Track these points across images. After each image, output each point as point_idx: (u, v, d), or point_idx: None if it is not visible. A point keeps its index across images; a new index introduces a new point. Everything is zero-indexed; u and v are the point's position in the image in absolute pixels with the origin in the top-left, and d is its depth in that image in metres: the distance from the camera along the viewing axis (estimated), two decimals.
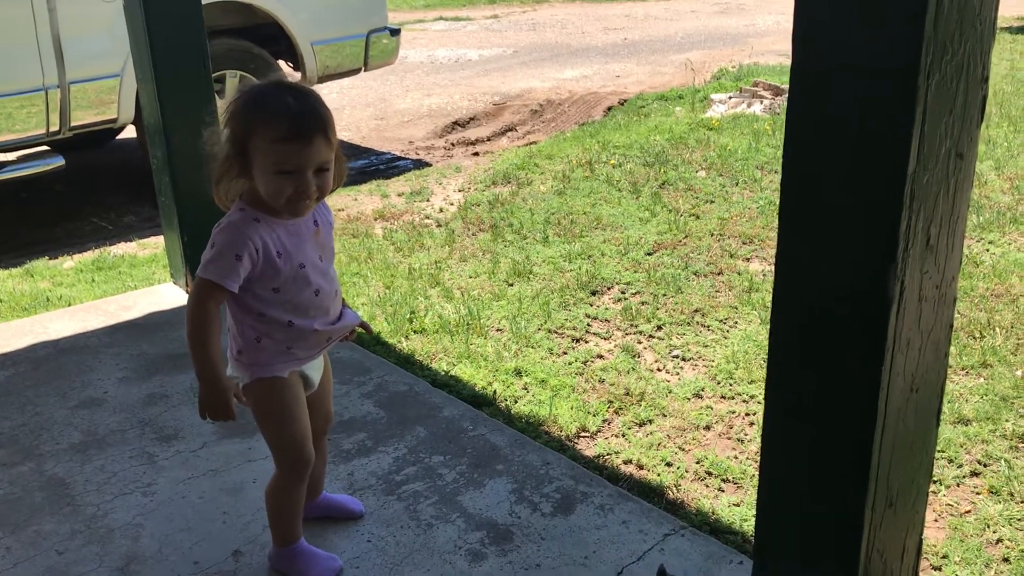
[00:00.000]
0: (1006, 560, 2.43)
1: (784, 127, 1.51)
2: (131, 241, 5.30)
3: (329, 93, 8.09)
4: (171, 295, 3.90)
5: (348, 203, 5.62)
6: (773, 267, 4.28)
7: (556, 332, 3.78)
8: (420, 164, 6.76)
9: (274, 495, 2.17)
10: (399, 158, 7.01)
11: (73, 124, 5.37)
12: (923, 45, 1.32)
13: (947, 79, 1.40)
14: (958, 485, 2.76)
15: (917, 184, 1.42)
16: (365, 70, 6.66)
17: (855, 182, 1.45)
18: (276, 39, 6.12)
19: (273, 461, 2.16)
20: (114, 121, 5.57)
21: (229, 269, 1.89)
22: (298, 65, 6.25)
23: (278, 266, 1.94)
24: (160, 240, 4.99)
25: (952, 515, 2.64)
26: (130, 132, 6.28)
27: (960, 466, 2.83)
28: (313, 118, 1.87)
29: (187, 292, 3.90)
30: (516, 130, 7.71)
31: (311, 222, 2.03)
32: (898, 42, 1.36)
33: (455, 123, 7.95)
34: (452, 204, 5.50)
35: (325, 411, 2.27)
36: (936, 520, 2.62)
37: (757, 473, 2.86)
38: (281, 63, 6.23)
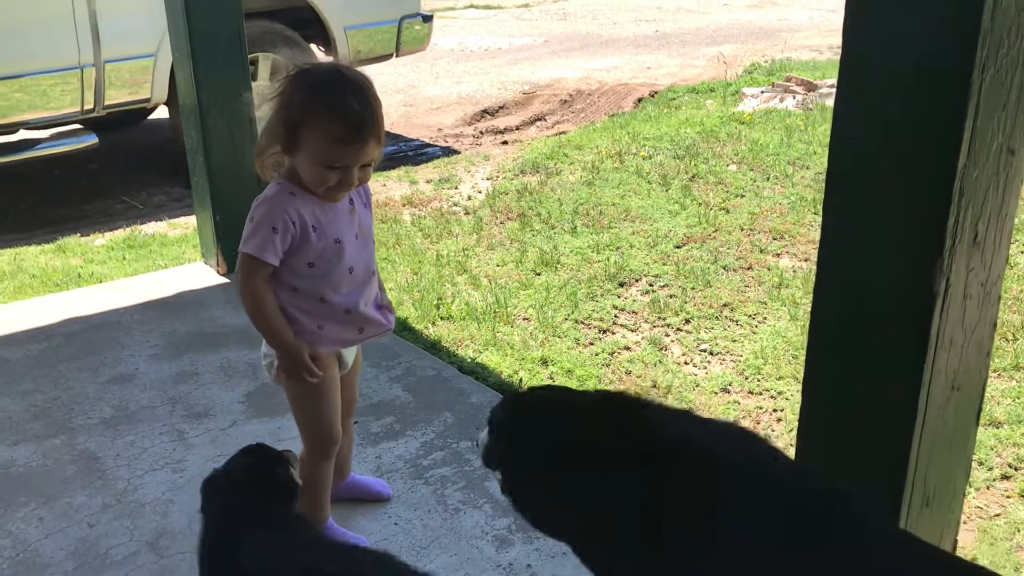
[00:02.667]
0: None
1: (832, 117, 1.50)
2: (161, 221, 5.33)
3: None
4: (202, 275, 3.93)
5: (376, 189, 5.63)
6: (804, 263, 4.25)
7: (583, 323, 3.77)
8: (449, 151, 6.75)
9: (303, 475, 2.18)
10: (428, 145, 7.01)
11: (107, 103, 5.41)
12: (980, 37, 1.30)
13: (1002, 73, 1.38)
14: (988, 488, 2.73)
15: (967, 179, 1.40)
16: (396, 56, 6.66)
17: (903, 176, 1.43)
18: (309, 23, 6.13)
19: (301, 440, 2.17)
20: (147, 101, 5.60)
21: (266, 242, 1.92)
22: (330, 49, 6.25)
23: (312, 240, 1.96)
24: (190, 220, 5.02)
25: (982, 518, 2.61)
26: (161, 112, 6.32)
27: (991, 469, 2.80)
28: (371, 121, 1.90)
29: (218, 272, 3.92)
30: (545, 119, 7.68)
31: (347, 201, 2.05)
32: (954, 34, 1.34)
33: (484, 111, 7.93)
34: (480, 192, 5.49)
35: (351, 393, 2.29)
36: (965, 522, 2.60)
37: None
38: (313, 47, 6.24)
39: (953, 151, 1.37)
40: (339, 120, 1.87)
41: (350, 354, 2.19)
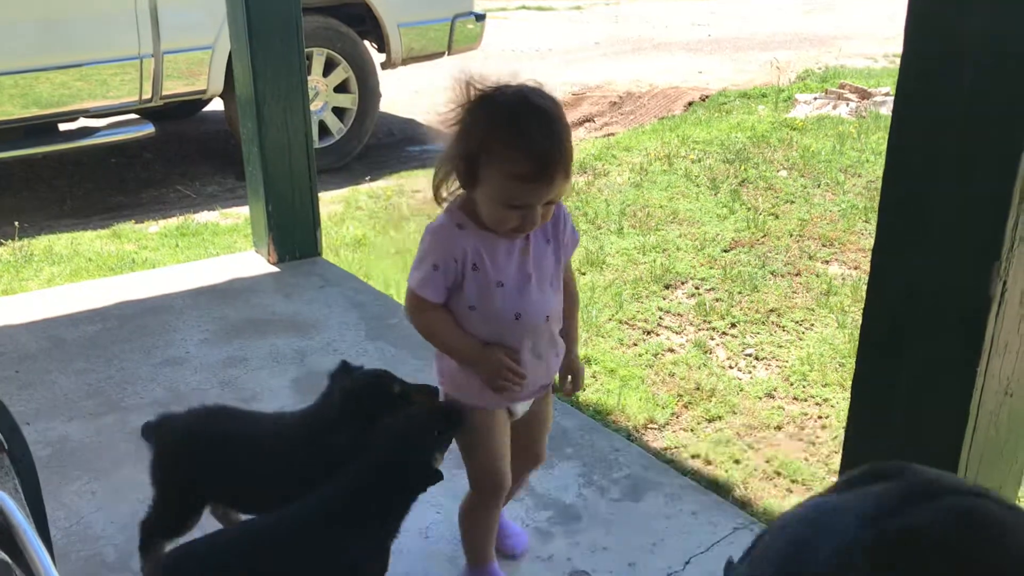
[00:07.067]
0: None
1: (891, 116, 1.49)
2: (214, 210, 5.42)
3: (410, 75, 8.17)
4: (253, 263, 3.99)
5: (425, 185, 5.65)
6: (853, 271, 4.20)
7: (627, 323, 3.77)
8: None
9: (466, 515, 2.09)
10: None
11: (164, 93, 5.51)
12: None
13: None
14: None
15: None
16: (448, 54, 6.68)
17: (962, 175, 1.42)
18: (363, 19, 6.19)
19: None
20: (203, 92, 5.70)
21: (427, 278, 1.78)
22: (383, 46, 6.31)
23: (471, 280, 1.78)
24: (241, 211, 5.11)
25: None
26: (216, 105, 6.43)
27: None
28: (558, 156, 1.68)
29: (269, 261, 3.98)
30: (594, 121, 7.68)
31: (521, 238, 1.82)
32: (1017, 35, 1.32)
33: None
34: None
35: (535, 453, 2.10)
36: None
37: (827, 476, 2.83)
38: (366, 43, 6.30)
39: (1015, 152, 1.36)
40: (522, 156, 1.65)
41: (522, 406, 1.98)
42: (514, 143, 1.67)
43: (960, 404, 1.51)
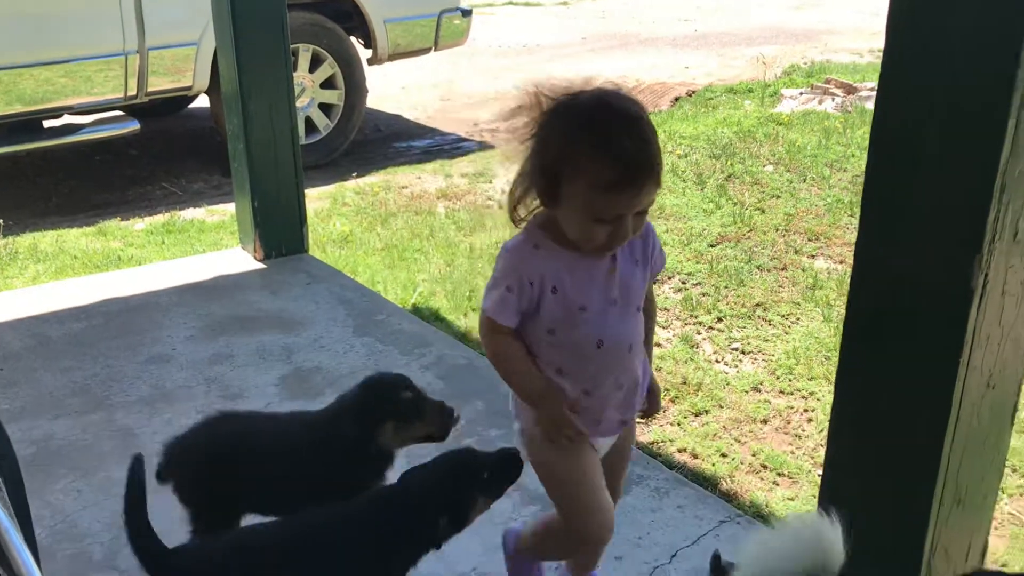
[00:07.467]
0: None
1: (874, 109, 1.49)
2: (200, 207, 5.40)
3: (396, 71, 8.15)
4: (239, 260, 3.98)
5: (412, 181, 5.67)
6: (839, 265, 4.22)
7: None
8: (484, 146, 6.77)
9: (548, 536, 1.95)
10: (463, 139, 7.03)
11: (150, 90, 5.48)
12: None
13: None
14: (1022, 495, 2.70)
15: (1009, 175, 1.40)
16: (435, 50, 6.67)
17: (944, 170, 1.43)
18: (349, 15, 6.17)
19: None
20: (189, 89, 5.67)
21: (501, 302, 1.65)
22: (369, 42, 6.29)
23: (549, 304, 1.66)
24: (227, 208, 5.09)
25: (1014, 524, 2.59)
26: (202, 101, 6.40)
27: None
28: (648, 159, 1.54)
29: (255, 258, 3.97)
30: None
31: (607, 258, 1.68)
32: (1000, 29, 1.33)
33: (521, 107, 7.93)
34: None
35: (612, 489, 1.88)
36: (996, 528, 2.58)
37: (813, 469, 2.85)
38: (353, 39, 6.28)
39: (996, 146, 1.37)
40: (607, 163, 1.52)
41: (605, 440, 1.84)
42: (598, 150, 1.53)
43: (943, 396, 1.52)
